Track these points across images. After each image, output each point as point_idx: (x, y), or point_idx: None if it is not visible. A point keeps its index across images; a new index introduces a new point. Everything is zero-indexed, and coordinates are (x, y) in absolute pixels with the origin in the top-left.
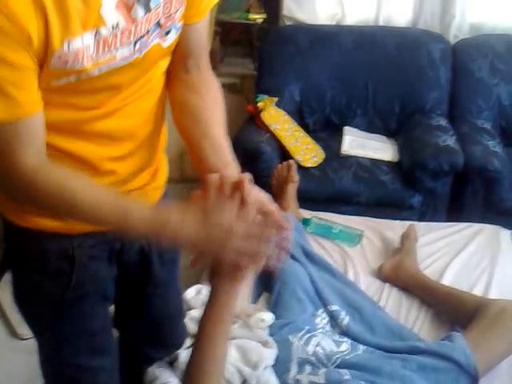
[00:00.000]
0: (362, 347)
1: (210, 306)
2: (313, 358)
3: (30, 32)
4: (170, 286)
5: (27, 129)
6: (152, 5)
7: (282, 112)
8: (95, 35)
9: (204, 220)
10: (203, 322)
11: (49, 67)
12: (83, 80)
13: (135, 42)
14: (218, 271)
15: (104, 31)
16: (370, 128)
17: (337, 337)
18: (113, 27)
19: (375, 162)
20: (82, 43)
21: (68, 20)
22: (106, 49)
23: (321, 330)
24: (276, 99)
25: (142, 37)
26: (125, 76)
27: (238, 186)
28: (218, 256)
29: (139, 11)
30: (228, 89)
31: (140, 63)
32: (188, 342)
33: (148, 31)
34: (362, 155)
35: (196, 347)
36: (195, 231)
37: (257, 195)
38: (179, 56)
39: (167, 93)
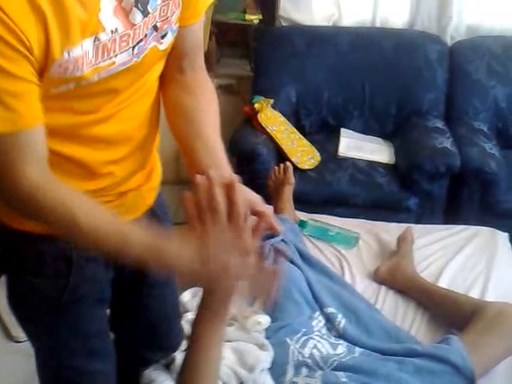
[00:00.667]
0: (358, 350)
1: (203, 309)
2: (309, 361)
3: (30, 42)
4: (165, 287)
5: (27, 141)
6: (150, 8)
7: (277, 114)
8: (94, 41)
9: (201, 251)
10: (196, 324)
11: (49, 75)
12: (82, 86)
13: (133, 47)
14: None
15: (103, 36)
16: (366, 130)
17: (333, 339)
18: (112, 32)
19: (372, 164)
20: (82, 49)
21: (68, 28)
22: (106, 54)
23: (317, 333)
24: (272, 101)
25: (140, 41)
26: (122, 80)
27: (227, 188)
28: (213, 286)
29: (137, 16)
30: (224, 90)
31: (137, 67)
32: (185, 344)
33: (146, 35)
34: (358, 157)
35: (189, 350)
36: (192, 261)
37: (248, 196)
38: (174, 57)
39: (161, 94)
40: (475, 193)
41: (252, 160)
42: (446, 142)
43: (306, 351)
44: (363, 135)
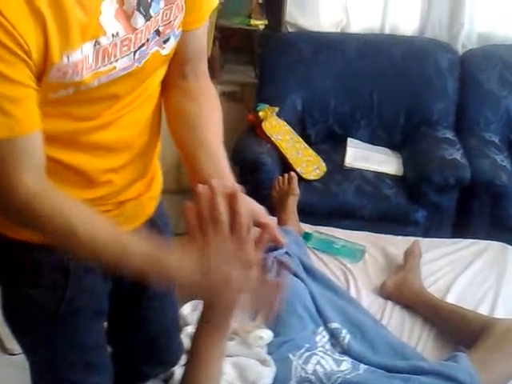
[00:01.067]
0: (363, 366)
1: (203, 322)
2: (312, 377)
3: (29, 46)
4: (165, 300)
5: (25, 148)
6: (152, 12)
7: (282, 122)
8: (94, 45)
9: (202, 262)
10: (196, 338)
11: (47, 80)
12: (81, 92)
13: (135, 52)
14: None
15: (104, 41)
16: (374, 140)
17: (337, 355)
18: (113, 36)
19: (379, 176)
20: (82, 54)
21: (68, 31)
22: (106, 59)
23: (321, 349)
24: (277, 109)
25: (141, 46)
26: (122, 86)
27: (229, 198)
28: (214, 299)
29: (139, 20)
30: (228, 97)
31: (138, 73)
32: (184, 358)
33: (147, 40)
34: (365, 168)
35: (189, 365)
36: (192, 272)
37: (251, 206)
38: (177, 62)
39: (163, 100)
40: (485, 206)
41: (256, 170)
42: (456, 154)
43: (310, 367)
44: (370, 145)
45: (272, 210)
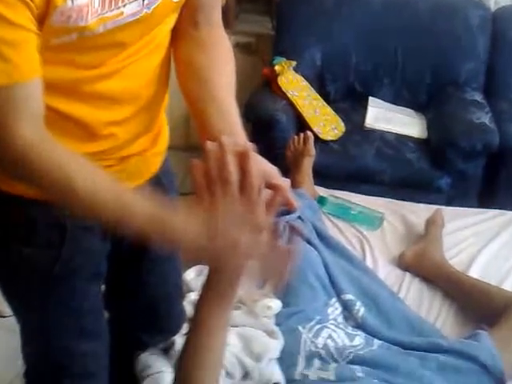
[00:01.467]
0: (376, 342)
1: (208, 289)
2: (322, 352)
3: None
4: (167, 263)
5: (23, 96)
6: None
7: (299, 77)
8: None
9: (209, 225)
10: (199, 306)
11: (49, 24)
12: (85, 38)
13: None
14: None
15: None
16: (397, 100)
17: (350, 329)
18: None
19: (401, 138)
20: None
21: None
22: (113, 4)
23: (333, 322)
24: (294, 63)
25: None
26: (130, 33)
27: (240, 157)
28: (221, 264)
29: None
30: (242, 49)
31: (147, 19)
32: (186, 327)
33: None
34: (386, 130)
35: (191, 334)
36: (198, 235)
37: (263, 167)
38: (189, 9)
39: (172, 51)
40: None
41: (270, 127)
42: (485, 118)
43: (320, 341)
44: (393, 105)
45: (285, 171)
